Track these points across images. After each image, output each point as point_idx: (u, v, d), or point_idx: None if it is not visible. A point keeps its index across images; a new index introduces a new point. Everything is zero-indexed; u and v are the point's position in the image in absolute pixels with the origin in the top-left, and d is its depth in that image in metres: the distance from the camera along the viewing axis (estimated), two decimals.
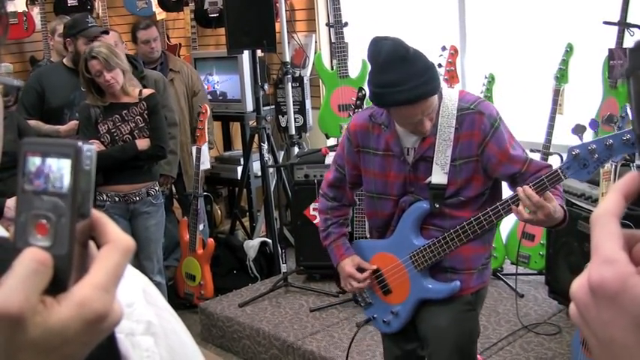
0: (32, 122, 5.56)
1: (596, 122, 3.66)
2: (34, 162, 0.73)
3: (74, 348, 0.71)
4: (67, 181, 0.72)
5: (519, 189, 3.08)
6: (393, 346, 3.76)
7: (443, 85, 3.30)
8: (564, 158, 3.11)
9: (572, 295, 0.74)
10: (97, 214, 0.76)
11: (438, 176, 3.25)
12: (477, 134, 3.21)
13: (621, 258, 0.69)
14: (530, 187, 3.06)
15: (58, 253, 0.71)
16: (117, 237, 0.75)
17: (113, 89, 5.16)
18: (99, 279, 0.72)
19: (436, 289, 3.47)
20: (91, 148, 0.74)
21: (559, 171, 3.08)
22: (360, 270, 3.58)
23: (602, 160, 3.02)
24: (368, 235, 4.83)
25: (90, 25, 5.93)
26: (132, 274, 1.01)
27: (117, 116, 5.25)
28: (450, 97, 3.25)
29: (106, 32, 6.05)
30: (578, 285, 0.73)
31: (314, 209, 6.06)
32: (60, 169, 0.72)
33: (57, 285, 0.71)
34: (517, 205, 3.11)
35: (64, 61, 6.09)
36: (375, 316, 3.69)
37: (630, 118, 3.75)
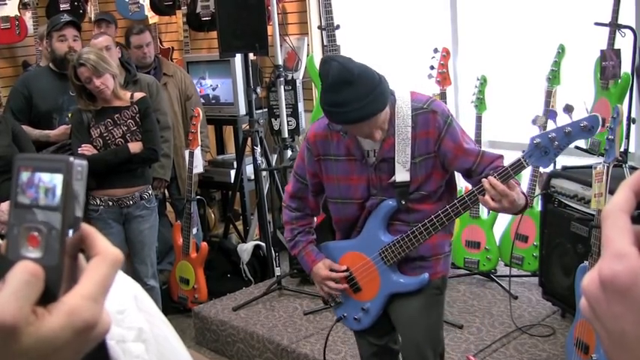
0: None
1: (554, 112, 3.81)
2: (27, 176, 0.75)
3: (64, 356, 0.73)
4: (58, 195, 0.74)
5: (484, 180, 3.22)
6: (365, 344, 3.88)
7: (395, 87, 3.40)
8: (527, 147, 3.26)
9: (583, 290, 0.74)
10: (86, 227, 0.78)
11: (401, 174, 3.39)
12: (433, 132, 3.37)
13: (632, 253, 0.70)
14: (494, 177, 3.20)
15: (48, 265, 0.73)
16: (105, 249, 0.77)
17: (104, 94, 5.15)
18: (88, 289, 0.74)
19: (405, 282, 3.59)
20: (83, 164, 0.76)
21: (522, 160, 3.25)
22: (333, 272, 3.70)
23: (561, 146, 3.21)
24: None
25: (61, 20, 5.96)
26: (123, 280, 1.02)
27: (109, 120, 5.25)
28: (402, 98, 3.39)
29: (73, 22, 6.05)
30: (589, 279, 0.73)
31: None
32: (52, 183, 0.74)
33: (47, 295, 0.73)
34: (483, 195, 3.25)
35: (50, 64, 6.10)
36: (345, 314, 3.79)
37: (621, 115, 3.76)
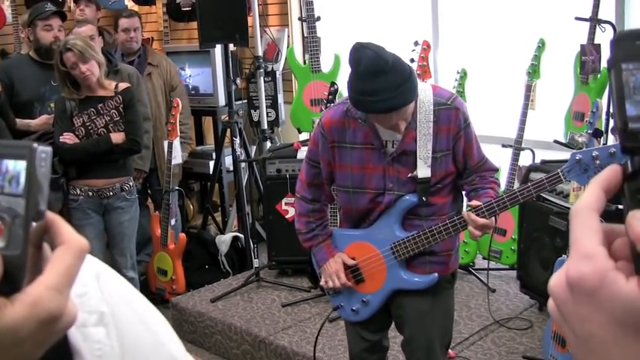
0: None
1: (600, 131, 3.78)
2: None
3: (27, 348, 0.71)
4: (22, 182, 0.72)
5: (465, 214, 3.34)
6: (358, 338, 3.80)
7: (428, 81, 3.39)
8: (567, 162, 3.24)
9: (550, 290, 0.72)
10: (51, 215, 0.76)
11: (423, 170, 3.36)
12: (453, 128, 3.35)
13: (600, 253, 0.68)
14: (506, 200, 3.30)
15: (11, 254, 0.71)
16: (71, 238, 0.75)
17: (89, 81, 5.12)
18: (52, 279, 0.72)
19: (414, 281, 3.54)
20: (47, 150, 0.74)
21: (560, 173, 3.23)
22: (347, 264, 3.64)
23: (603, 166, 3.11)
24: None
25: (46, 9, 5.92)
26: (85, 261, 1.00)
27: (92, 109, 5.21)
28: (425, 92, 3.35)
29: (60, 13, 6.04)
30: (556, 280, 0.71)
31: (286, 204, 6.05)
32: (15, 170, 0.72)
33: (10, 285, 0.71)
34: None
35: (30, 53, 6.05)
36: (342, 304, 3.72)
37: (609, 110, 3.77)
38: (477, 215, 3.28)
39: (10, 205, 0.72)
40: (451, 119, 3.34)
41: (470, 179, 3.47)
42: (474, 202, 3.32)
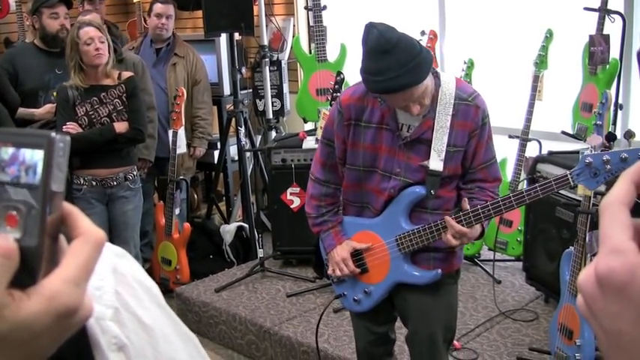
0: None
1: (613, 135, 3.74)
2: (6, 152, 0.71)
3: (43, 342, 0.70)
4: (39, 172, 0.70)
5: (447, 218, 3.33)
6: (364, 330, 3.80)
7: (440, 70, 3.34)
8: (577, 164, 3.19)
9: (579, 287, 0.71)
10: (68, 206, 0.74)
11: (435, 162, 3.33)
12: (470, 125, 3.32)
13: (630, 248, 0.66)
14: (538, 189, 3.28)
15: (27, 245, 0.69)
16: (88, 230, 0.74)
17: (100, 60, 5.12)
18: (69, 273, 0.70)
19: (417, 275, 3.52)
20: (65, 139, 0.72)
21: (569, 176, 3.19)
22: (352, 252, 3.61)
23: (613, 171, 3.08)
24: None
25: None
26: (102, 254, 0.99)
27: (95, 99, 5.21)
28: (448, 85, 3.33)
29: (66, 1, 6.03)
30: (586, 276, 0.69)
31: (291, 194, 6.04)
32: (32, 160, 0.70)
33: (26, 278, 0.69)
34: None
35: (35, 41, 6.04)
36: (345, 293, 3.71)
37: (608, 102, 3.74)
38: (483, 213, 3.30)
39: (27, 196, 0.70)
40: (469, 116, 3.31)
41: (469, 187, 3.46)
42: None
